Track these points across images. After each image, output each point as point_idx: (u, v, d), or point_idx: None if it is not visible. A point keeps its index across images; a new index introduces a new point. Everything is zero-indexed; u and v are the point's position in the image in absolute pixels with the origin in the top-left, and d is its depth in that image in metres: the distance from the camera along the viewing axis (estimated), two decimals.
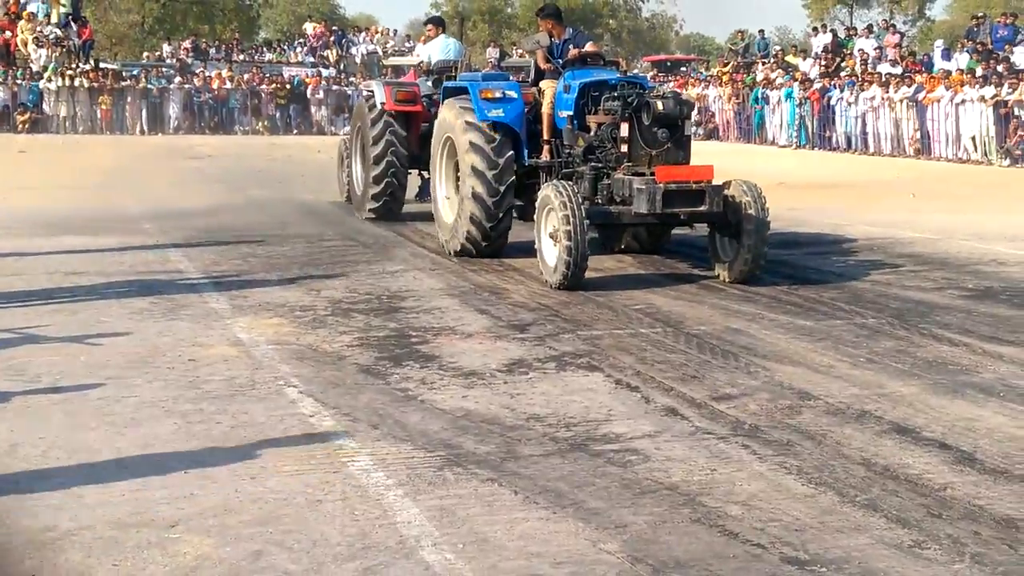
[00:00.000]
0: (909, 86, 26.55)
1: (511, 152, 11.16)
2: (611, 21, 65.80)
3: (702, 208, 9.73)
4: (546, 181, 10.67)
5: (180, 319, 8.53)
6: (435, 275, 10.60)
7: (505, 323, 8.54)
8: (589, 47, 11.75)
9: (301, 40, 44.39)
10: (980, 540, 4.52)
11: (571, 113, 10.89)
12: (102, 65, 37.27)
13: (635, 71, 42.98)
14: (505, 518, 4.72)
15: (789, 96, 30.75)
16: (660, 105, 10.07)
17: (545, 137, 11.29)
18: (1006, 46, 26.83)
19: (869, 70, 29.42)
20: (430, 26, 16.35)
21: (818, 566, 4.27)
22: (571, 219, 9.44)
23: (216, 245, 12.25)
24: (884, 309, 9.08)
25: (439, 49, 15.37)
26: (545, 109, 11.30)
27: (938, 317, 8.77)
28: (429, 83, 14.57)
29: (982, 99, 24.00)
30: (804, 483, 5.16)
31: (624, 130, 10.17)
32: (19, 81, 34.54)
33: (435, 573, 4.19)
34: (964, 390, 6.72)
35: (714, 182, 9.84)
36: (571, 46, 11.60)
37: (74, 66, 35.48)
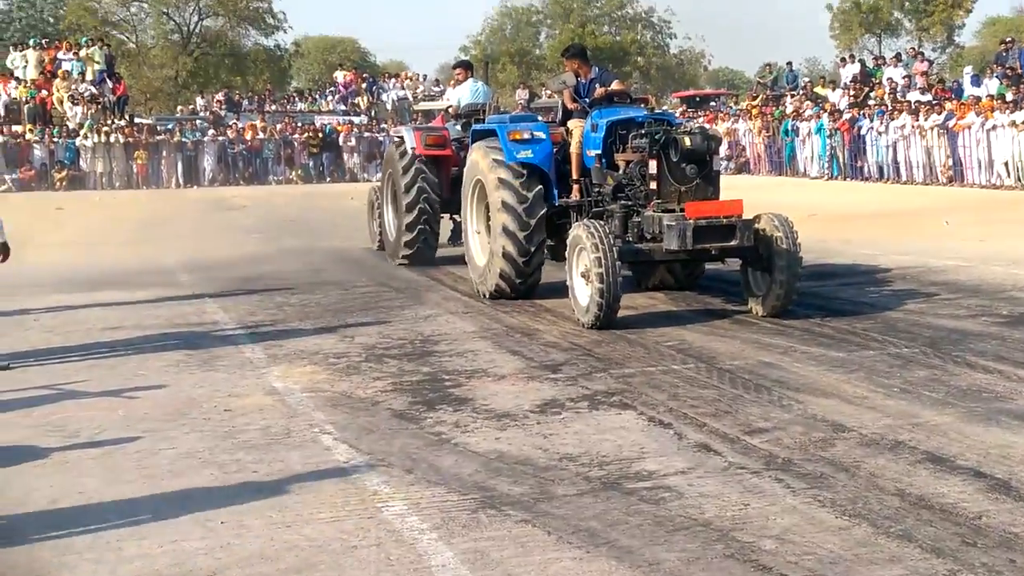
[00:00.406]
0: (939, 113, 26.51)
1: (540, 187, 11.23)
2: (639, 59, 66.04)
3: (733, 243, 9.74)
4: (576, 220, 10.73)
5: (216, 370, 8.63)
6: (467, 318, 10.66)
7: (537, 364, 8.58)
8: (615, 85, 11.82)
9: (332, 88, 44.84)
10: (1015, 568, 4.51)
11: (599, 152, 10.97)
12: (137, 120, 37.84)
13: (664, 108, 43.14)
14: (539, 559, 4.74)
15: (820, 130, 30.75)
16: (688, 141, 10.12)
17: (574, 176, 11.37)
18: None
19: (899, 98, 29.41)
20: (459, 70, 16.55)
21: None
22: (603, 260, 9.47)
23: (251, 295, 12.39)
24: (917, 338, 9.05)
25: (468, 93, 15.53)
26: (574, 148, 11.39)
27: (972, 345, 8.74)
28: (458, 127, 14.72)
29: (1013, 124, 23.93)
30: (838, 515, 5.16)
31: (653, 167, 10.22)
32: (56, 139, 35.08)
33: None
34: (999, 417, 6.69)
35: (744, 216, 9.85)
36: (597, 85, 11.66)
37: (109, 122, 36.00)
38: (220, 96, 42.34)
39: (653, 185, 10.25)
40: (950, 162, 25.97)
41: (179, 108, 45.88)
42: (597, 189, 11.07)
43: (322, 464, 6.15)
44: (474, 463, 6.11)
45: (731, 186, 19.67)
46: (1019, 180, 23.94)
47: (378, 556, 4.82)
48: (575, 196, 11.35)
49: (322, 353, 9.16)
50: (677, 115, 27.46)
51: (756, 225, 9.94)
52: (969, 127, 25.30)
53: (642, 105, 12.59)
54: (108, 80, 38.34)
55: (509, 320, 10.44)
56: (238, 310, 11.41)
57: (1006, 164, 24.36)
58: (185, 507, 5.50)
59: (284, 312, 11.27)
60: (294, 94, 47.37)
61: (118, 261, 15.95)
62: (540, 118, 12.58)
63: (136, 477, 6.00)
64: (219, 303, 11.91)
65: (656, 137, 10.27)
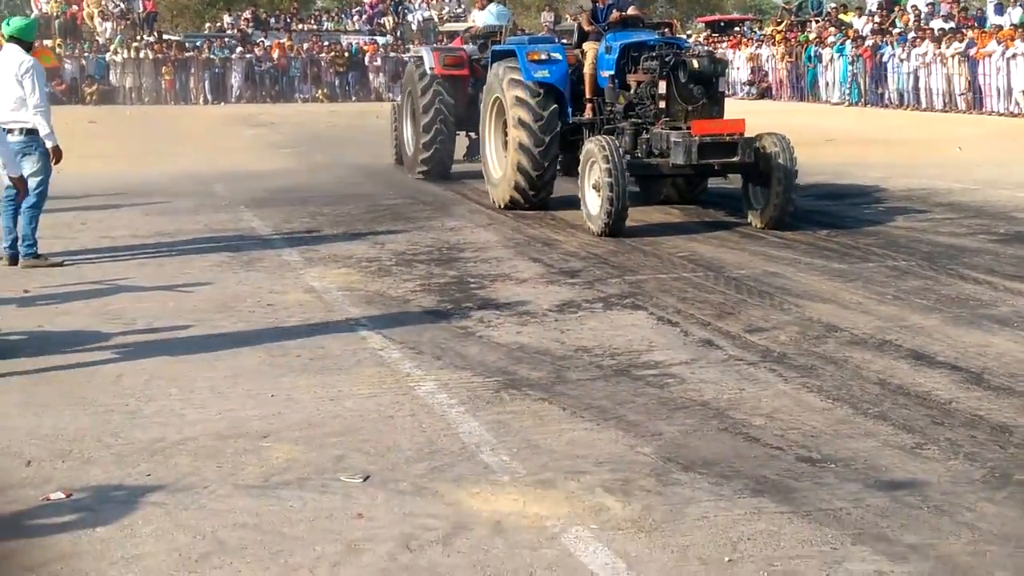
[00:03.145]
0: (961, 41, 26.70)
1: (555, 106, 11.86)
2: None
3: (735, 159, 10.45)
4: (589, 137, 11.34)
5: (257, 271, 9.24)
6: (491, 229, 11.23)
7: (556, 270, 9.16)
8: (631, 11, 12.36)
9: (358, 8, 45.04)
10: (975, 442, 5.09)
11: (612, 72, 11.58)
12: (165, 37, 38.20)
13: (688, 32, 43.21)
14: (554, 429, 5.36)
15: (841, 52, 30.96)
16: (696, 64, 10.82)
17: (588, 95, 12.00)
18: None
19: (922, 26, 29.56)
20: None
21: (828, 463, 4.86)
22: (613, 170, 10.12)
23: (284, 205, 12.98)
24: (915, 253, 9.59)
25: (490, 16, 16.23)
26: (587, 69, 11.98)
27: (966, 259, 9.28)
28: (475, 48, 15.29)
29: None
30: (823, 399, 5.75)
31: (662, 87, 10.90)
32: (86, 54, 35.54)
33: (493, 470, 4.84)
34: (981, 322, 7.25)
35: (746, 135, 10.53)
36: (614, 9, 12.24)
37: (139, 38, 36.42)
38: (247, 14, 42.61)
39: (662, 104, 10.94)
40: (970, 90, 26.21)
41: (207, 26, 46.12)
42: (609, 108, 11.71)
43: (359, 350, 6.77)
44: (497, 352, 6.71)
45: (753, 110, 20.12)
46: None
47: (412, 424, 5.44)
48: (588, 114, 11.98)
49: (355, 257, 9.76)
50: (692, 40, 27.83)
51: (757, 143, 10.62)
52: (990, 55, 25.52)
53: (665, 29, 13.17)
54: None
55: (530, 231, 11.01)
56: (273, 218, 12.01)
57: None
58: (237, 383, 6.13)
59: (317, 220, 11.87)
60: (321, 13, 47.54)
61: (154, 172, 16.55)
62: (562, 40, 13.07)
63: (192, 358, 6.63)
64: (254, 212, 12.52)
65: (666, 59, 10.93)
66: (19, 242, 9.36)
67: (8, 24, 9.68)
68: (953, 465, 4.83)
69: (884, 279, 8.57)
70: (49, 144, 9.33)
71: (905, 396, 5.77)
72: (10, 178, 7.53)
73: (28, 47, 9.48)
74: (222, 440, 5.23)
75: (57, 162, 9.56)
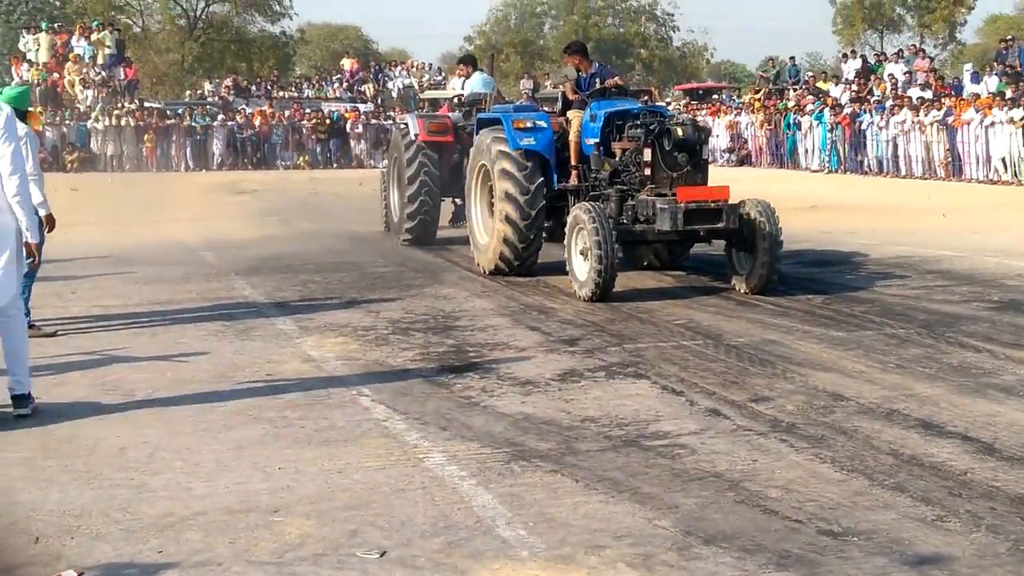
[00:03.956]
0: (939, 109, 27.02)
1: (542, 179, 12.04)
2: (642, 51, 66.43)
3: (719, 225, 10.62)
4: (574, 204, 11.49)
5: (253, 339, 9.17)
6: (485, 297, 11.20)
7: (555, 338, 9.12)
8: (613, 80, 12.55)
9: (338, 76, 45.31)
10: (996, 514, 5.05)
11: (597, 140, 11.77)
12: (146, 104, 38.27)
13: (667, 100, 43.63)
14: (569, 502, 5.28)
15: (820, 119, 31.27)
16: (680, 131, 11.02)
17: (573, 163, 12.17)
18: None
19: (899, 94, 29.92)
20: (461, 66, 17.78)
21: (850, 536, 4.81)
22: (601, 237, 10.25)
23: (275, 273, 12.93)
24: (912, 320, 9.60)
25: (478, 84, 16.42)
26: (572, 137, 12.17)
27: (963, 327, 9.29)
28: (460, 115, 15.45)
29: (1011, 121, 24.46)
30: (837, 470, 5.70)
31: (647, 155, 11.07)
32: (67, 122, 35.54)
33: (511, 546, 4.76)
34: (986, 390, 7.24)
35: (731, 201, 10.72)
36: (597, 79, 12.44)
37: (120, 106, 36.47)
38: (228, 82, 42.81)
39: (647, 171, 11.10)
40: (949, 157, 26.48)
41: (187, 93, 46.31)
42: (594, 175, 11.87)
43: (363, 421, 6.69)
44: (503, 422, 6.65)
45: (733, 178, 20.21)
46: (1016, 176, 24.48)
47: (424, 497, 5.35)
48: (573, 181, 12.14)
49: (350, 326, 9.69)
50: (672, 107, 28.14)
51: (741, 209, 10.78)
52: (968, 123, 25.83)
53: (644, 97, 13.43)
54: (119, 64, 38.79)
55: (524, 299, 10.97)
56: (265, 286, 11.95)
57: (1003, 160, 24.89)
58: (242, 455, 6.04)
59: (309, 289, 11.81)
60: (302, 81, 47.82)
61: (140, 239, 16.48)
62: (544, 108, 13.28)
63: (194, 430, 6.54)
64: (246, 279, 12.45)
65: (651, 127, 11.12)
66: None
67: (2, 93, 9.64)
68: (977, 538, 4.78)
69: (884, 347, 8.56)
70: (42, 212, 9.25)
71: (919, 467, 5.73)
72: (26, 244, 7.49)
73: (23, 116, 9.44)
74: (232, 515, 5.14)
75: (50, 230, 9.48)
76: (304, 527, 4.99)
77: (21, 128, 9.23)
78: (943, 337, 8.90)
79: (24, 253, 7.15)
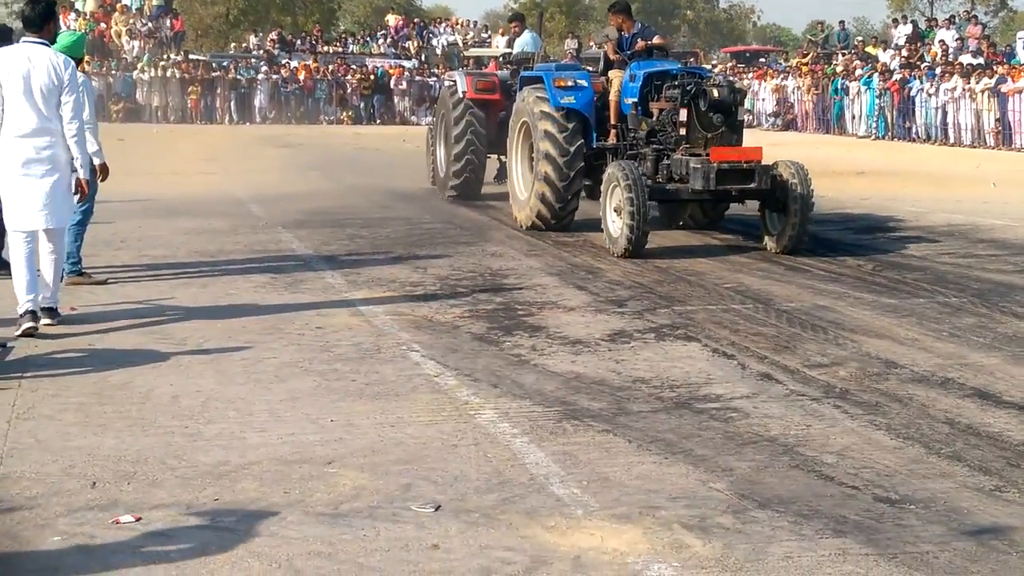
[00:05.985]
0: (990, 77, 26.63)
1: (581, 141, 12.11)
2: (688, 12, 65.95)
3: (752, 185, 10.72)
4: (612, 162, 11.47)
5: (301, 292, 9.19)
6: (533, 256, 11.16)
7: (604, 299, 9.08)
8: (656, 40, 12.59)
9: (383, 31, 45.17)
10: None
11: (636, 100, 11.84)
12: (191, 56, 38.33)
13: (713, 63, 43.26)
14: (622, 462, 5.26)
15: (868, 84, 30.90)
16: (716, 92, 11.11)
17: (612, 122, 12.27)
18: None
19: (950, 60, 29.50)
20: (515, 23, 18.11)
21: (908, 504, 4.76)
22: (633, 192, 10.38)
23: (321, 227, 12.94)
24: (965, 289, 9.49)
25: (528, 43, 16.60)
26: (612, 96, 12.24)
27: (1018, 297, 9.17)
28: (508, 73, 15.47)
29: None
30: (892, 437, 5.65)
31: (683, 115, 11.18)
32: (114, 72, 35.66)
33: (565, 504, 4.75)
34: None
35: (763, 162, 10.78)
36: (639, 39, 12.46)
37: (166, 57, 36.55)
38: (273, 35, 42.76)
39: (683, 131, 11.22)
40: (999, 125, 26.11)
41: (232, 46, 46.30)
42: (632, 134, 11.97)
43: (414, 377, 6.69)
44: (554, 381, 6.63)
45: (779, 142, 20.03)
46: None
47: (476, 454, 5.35)
48: (612, 140, 12.25)
49: (398, 281, 9.69)
50: (717, 70, 27.94)
51: (774, 171, 10.84)
52: (1020, 91, 25.44)
53: (690, 60, 13.44)
54: (165, 16, 38.84)
55: (573, 259, 10.94)
56: (312, 240, 11.97)
57: None
58: (296, 407, 6.06)
59: (356, 243, 11.82)
60: (346, 36, 47.70)
61: (187, 190, 16.55)
62: (588, 68, 13.30)
63: (246, 380, 6.57)
64: (293, 233, 12.48)
65: (688, 88, 11.18)
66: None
67: (57, 40, 9.64)
68: None
69: (937, 315, 8.47)
70: (97, 161, 9.29)
71: (976, 436, 5.66)
72: (77, 180, 7.78)
73: (77, 63, 9.44)
74: (287, 465, 5.15)
75: (103, 179, 9.52)
76: (358, 479, 4.99)
77: (79, 76, 9.26)
78: (996, 307, 8.79)
79: (75, 187, 7.80)
